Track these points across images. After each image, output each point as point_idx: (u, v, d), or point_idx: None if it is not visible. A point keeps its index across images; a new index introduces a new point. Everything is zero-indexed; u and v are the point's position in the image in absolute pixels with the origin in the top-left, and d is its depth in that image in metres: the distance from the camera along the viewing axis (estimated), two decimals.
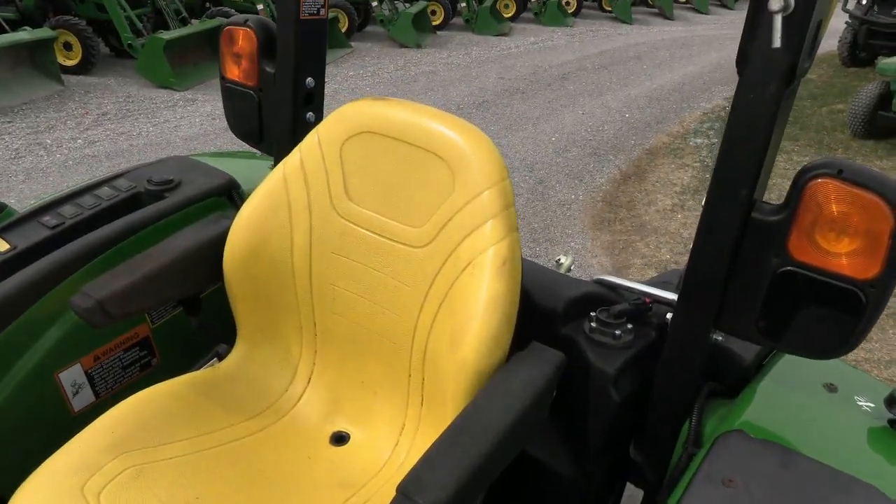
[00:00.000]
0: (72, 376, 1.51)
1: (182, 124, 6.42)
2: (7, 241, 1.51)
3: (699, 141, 6.73)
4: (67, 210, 1.60)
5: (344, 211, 1.33)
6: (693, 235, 1.14)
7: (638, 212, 5.04)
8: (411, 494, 0.91)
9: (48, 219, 1.57)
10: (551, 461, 1.37)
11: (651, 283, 1.46)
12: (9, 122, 6.16)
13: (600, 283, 1.46)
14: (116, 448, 1.22)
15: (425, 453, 0.97)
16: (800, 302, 1.08)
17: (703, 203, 1.11)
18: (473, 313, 1.14)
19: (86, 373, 1.53)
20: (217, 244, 1.40)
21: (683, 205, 5.16)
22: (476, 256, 1.17)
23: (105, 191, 1.67)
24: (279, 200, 1.36)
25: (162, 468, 1.22)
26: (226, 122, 1.82)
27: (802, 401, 1.25)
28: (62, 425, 1.30)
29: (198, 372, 1.43)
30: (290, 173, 1.36)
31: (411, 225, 1.26)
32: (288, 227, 1.36)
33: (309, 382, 1.44)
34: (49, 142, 5.81)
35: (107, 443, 1.23)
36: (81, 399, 1.54)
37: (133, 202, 1.66)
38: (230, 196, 1.74)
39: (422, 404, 1.30)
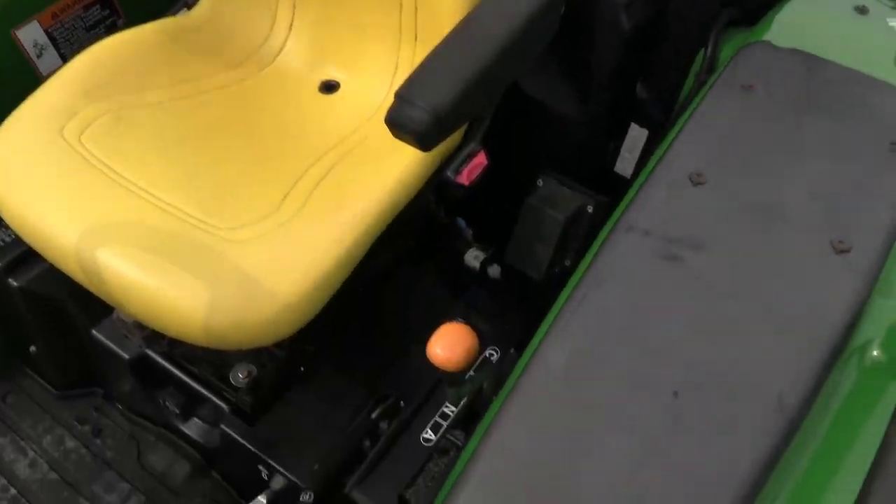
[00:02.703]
0: (31, 35, 1.38)
1: None
2: None
3: None
4: None
5: None
6: None
7: None
8: (411, 98, 0.84)
9: None
10: (554, 103, 1.30)
11: None
12: None
13: None
14: (90, 94, 1.14)
15: (424, 59, 0.89)
16: None
17: None
18: None
19: (46, 32, 1.40)
20: None
21: None
22: None
23: None
24: None
25: (142, 114, 1.15)
26: None
27: (831, 19, 1.15)
28: (31, 88, 1.20)
29: (168, 18, 1.30)
30: None
31: None
32: None
33: (291, 28, 1.32)
34: None
35: (78, 89, 1.14)
36: (47, 61, 1.43)
37: None
38: None
39: (416, 40, 1.20)
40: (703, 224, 0.82)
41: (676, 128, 0.96)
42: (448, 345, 0.85)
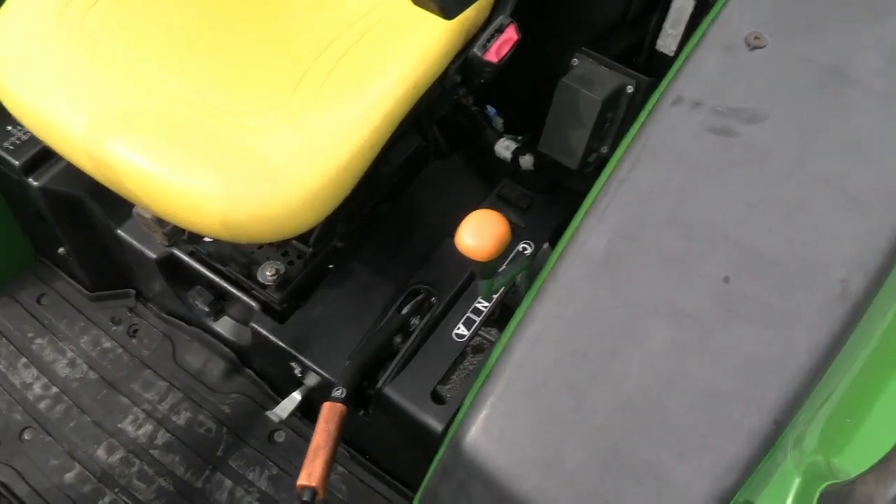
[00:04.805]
0: None
1: None
2: None
3: None
4: None
5: None
6: None
7: None
8: None
9: None
10: None
11: None
12: None
13: None
14: None
15: None
16: None
17: None
18: None
19: None
20: None
21: None
22: None
23: None
24: None
25: None
26: None
27: None
28: None
29: None
30: None
31: None
32: None
33: None
34: None
35: None
36: None
37: None
38: None
39: None
40: (760, 93, 0.74)
41: None
42: (477, 232, 0.79)
